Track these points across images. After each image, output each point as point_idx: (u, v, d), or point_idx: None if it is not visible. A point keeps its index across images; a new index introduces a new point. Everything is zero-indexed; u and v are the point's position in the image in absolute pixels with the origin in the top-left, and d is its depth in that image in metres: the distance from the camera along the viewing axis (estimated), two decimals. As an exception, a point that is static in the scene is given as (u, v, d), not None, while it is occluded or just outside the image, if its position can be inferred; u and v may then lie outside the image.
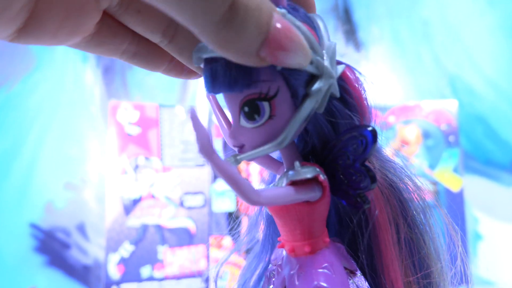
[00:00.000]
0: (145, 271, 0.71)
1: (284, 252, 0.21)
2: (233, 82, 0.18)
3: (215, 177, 0.76)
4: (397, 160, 0.23)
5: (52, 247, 0.82)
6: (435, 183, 0.73)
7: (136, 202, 0.73)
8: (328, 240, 0.21)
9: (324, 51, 0.19)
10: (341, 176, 0.20)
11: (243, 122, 0.19)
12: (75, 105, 0.86)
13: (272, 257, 0.23)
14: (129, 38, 0.21)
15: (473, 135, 0.83)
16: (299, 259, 0.21)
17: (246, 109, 0.19)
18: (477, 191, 0.81)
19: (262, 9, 0.15)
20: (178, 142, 0.76)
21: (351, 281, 0.21)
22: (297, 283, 0.20)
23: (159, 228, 0.73)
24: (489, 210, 0.81)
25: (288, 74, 0.18)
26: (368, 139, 0.19)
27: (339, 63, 0.20)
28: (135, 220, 0.72)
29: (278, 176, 0.21)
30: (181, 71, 0.23)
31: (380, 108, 0.76)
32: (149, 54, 0.22)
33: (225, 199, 0.75)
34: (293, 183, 0.20)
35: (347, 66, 0.20)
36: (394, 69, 0.86)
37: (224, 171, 0.16)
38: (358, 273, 0.21)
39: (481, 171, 0.82)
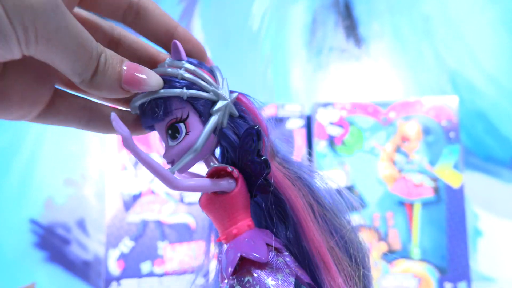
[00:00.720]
0: (145, 266, 0.71)
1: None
2: (156, 115, 0.25)
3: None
4: (303, 161, 0.30)
5: (52, 243, 0.82)
6: (435, 179, 0.73)
7: (136, 198, 0.73)
8: (251, 223, 0.26)
9: (219, 86, 0.26)
10: (248, 171, 0.26)
11: (170, 142, 0.26)
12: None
13: None
14: (82, 106, 0.27)
15: (474, 132, 0.83)
16: (230, 243, 0.26)
17: (170, 131, 0.26)
18: (477, 187, 0.81)
19: (114, 60, 0.23)
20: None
21: (280, 258, 0.25)
22: (225, 259, 0.25)
23: (159, 224, 0.73)
24: (489, 207, 0.81)
25: (193, 101, 0.25)
26: (255, 135, 0.25)
27: (233, 92, 0.27)
28: (135, 216, 0.72)
29: None
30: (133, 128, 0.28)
31: (380, 104, 0.76)
32: (104, 118, 0.28)
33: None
34: (210, 176, 0.26)
35: (240, 93, 0.27)
36: (394, 65, 0.86)
37: (145, 160, 0.23)
38: (285, 251, 0.26)
39: (482, 168, 0.82)
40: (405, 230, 0.72)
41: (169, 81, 0.25)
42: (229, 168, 0.26)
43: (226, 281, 0.25)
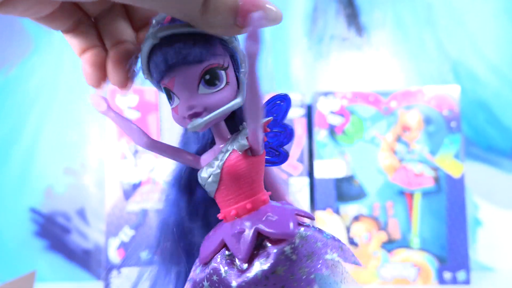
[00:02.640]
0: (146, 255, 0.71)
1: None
2: (199, 55, 0.22)
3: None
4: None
5: (53, 232, 0.83)
6: (436, 169, 0.73)
7: (135, 187, 0.73)
8: (266, 198, 0.24)
9: None
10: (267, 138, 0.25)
11: (203, 89, 0.23)
12: (74, 90, 0.85)
13: (196, 269, 0.24)
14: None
15: (475, 121, 0.82)
16: (242, 219, 0.23)
17: (207, 77, 0.23)
18: (477, 177, 0.81)
19: None
20: (177, 127, 0.75)
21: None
22: (242, 236, 0.22)
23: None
24: (489, 197, 0.81)
25: (234, 52, 0.24)
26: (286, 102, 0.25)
27: None
28: (135, 205, 0.72)
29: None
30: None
31: (382, 93, 0.75)
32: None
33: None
34: None
35: None
36: (396, 54, 0.85)
37: (117, 120, 0.24)
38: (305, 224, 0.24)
39: (482, 157, 0.82)
40: (405, 220, 0.72)
41: None
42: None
43: (274, 250, 0.22)
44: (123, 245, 0.71)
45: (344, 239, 0.73)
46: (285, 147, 0.26)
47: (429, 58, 0.84)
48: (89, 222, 0.83)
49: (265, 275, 0.21)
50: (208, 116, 0.23)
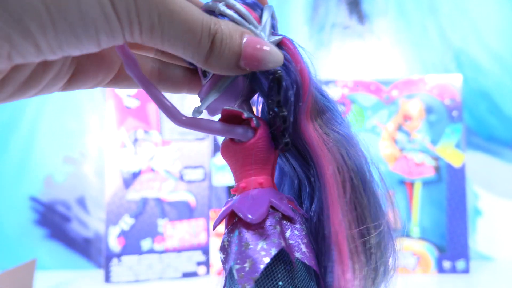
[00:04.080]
0: (146, 244, 0.72)
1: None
2: None
3: (215, 151, 0.75)
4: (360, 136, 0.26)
5: (53, 220, 0.83)
6: (436, 158, 0.73)
7: (135, 175, 0.73)
8: (265, 182, 0.24)
9: (260, 26, 0.24)
10: (270, 122, 0.24)
11: (203, 80, 0.25)
12: (73, 78, 0.84)
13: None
14: (150, 68, 0.27)
15: (477, 111, 0.82)
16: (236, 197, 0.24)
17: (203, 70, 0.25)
18: (478, 167, 0.81)
19: (233, 37, 0.22)
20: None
21: (278, 227, 0.23)
22: (283, 199, 0.24)
23: (159, 201, 0.73)
24: (489, 186, 0.81)
25: None
26: (273, 81, 0.23)
27: (276, 35, 0.24)
28: (135, 194, 0.72)
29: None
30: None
31: (383, 82, 0.75)
32: (171, 79, 0.28)
33: (225, 173, 0.74)
34: (224, 120, 0.24)
35: (284, 37, 0.24)
36: (398, 42, 0.84)
37: (151, 91, 0.22)
38: (298, 224, 0.24)
39: (484, 147, 0.81)
40: (405, 209, 0.72)
41: (208, 13, 0.23)
42: (245, 115, 0.24)
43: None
44: (123, 234, 0.71)
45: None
46: None
47: (432, 47, 0.83)
48: (89, 211, 0.83)
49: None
50: (200, 105, 0.25)
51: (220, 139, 0.26)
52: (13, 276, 0.59)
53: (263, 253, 0.22)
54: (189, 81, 0.28)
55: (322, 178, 0.24)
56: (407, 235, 0.72)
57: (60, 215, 0.83)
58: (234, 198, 0.25)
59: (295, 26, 0.85)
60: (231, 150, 0.25)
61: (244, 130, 0.24)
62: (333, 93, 0.75)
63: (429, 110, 0.73)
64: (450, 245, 0.71)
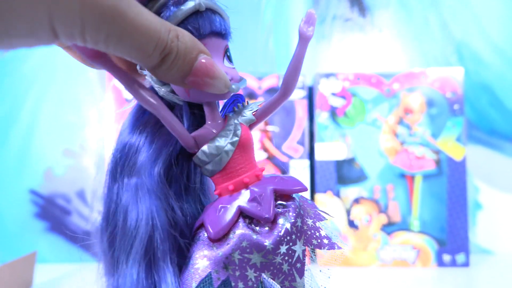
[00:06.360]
0: (146, 237, 0.72)
1: (242, 228, 0.24)
2: (226, 32, 0.25)
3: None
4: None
5: (53, 213, 0.83)
6: (437, 151, 0.72)
7: (135, 168, 0.72)
8: (263, 169, 0.27)
9: None
10: None
11: (227, 63, 0.26)
12: (72, 71, 0.84)
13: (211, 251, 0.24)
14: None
15: (478, 104, 0.81)
16: (249, 187, 0.25)
17: (228, 53, 0.26)
18: (479, 160, 0.81)
19: (187, 57, 0.22)
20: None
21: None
22: (262, 197, 0.24)
23: (159, 194, 0.73)
24: (490, 180, 0.81)
25: (228, 43, 0.26)
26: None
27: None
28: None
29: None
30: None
31: (384, 75, 0.74)
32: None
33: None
34: None
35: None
36: (399, 35, 0.83)
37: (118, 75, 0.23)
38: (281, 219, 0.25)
39: (484, 141, 0.81)
40: (406, 203, 0.72)
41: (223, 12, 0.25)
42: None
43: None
44: (123, 227, 0.71)
45: (344, 222, 0.73)
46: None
47: (433, 40, 0.83)
48: (89, 204, 0.83)
49: (292, 227, 0.24)
50: (240, 83, 0.25)
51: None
52: (14, 268, 0.59)
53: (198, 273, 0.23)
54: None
55: None
56: (407, 228, 0.72)
57: (60, 208, 0.83)
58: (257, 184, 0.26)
59: (295, 18, 0.85)
60: (252, 139, 0.26)
61: (187, 134, 0.25)
62: (334, 85, 0.75)
63: (430, 103, 0.73)
64: (450, 238, 0.71)
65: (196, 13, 0.24)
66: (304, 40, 0.24)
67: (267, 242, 0.23)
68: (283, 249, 0.23)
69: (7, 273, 0.57)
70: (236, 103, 0.27)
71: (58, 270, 0.75)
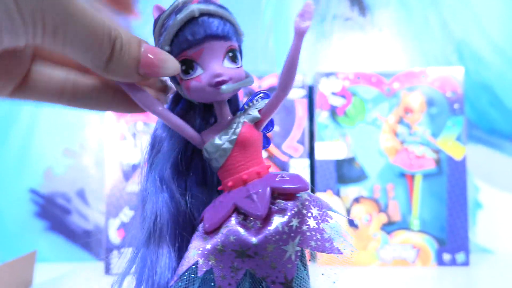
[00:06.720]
0: (146, 236, 0.72)
1: (234, 222, 0.25)
2: (229, 33, 0.26)
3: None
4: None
5: (53, 213, 0.83)
6: (437, 151, 0.72)
7: (135, 167, 0.72)
8: (269, 167, 0.27)
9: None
10: None
11: (227, 63, 0.26)
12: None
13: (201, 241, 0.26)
14: (63, 80, 0.25)
15: (478, 104, 0.81)
16: (248, 185, 0.26)
17: (230, 54, 0.26)
18: (479, 160, 0.81)
19: (131, 44, 0.23)
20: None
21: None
22: (258, 195, 0.25)
23: (159, 194, 0.73)
24: (490, 179, 0.81)
25: (240, 43, 0.27)
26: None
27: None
28: (134, 186, 0.72)
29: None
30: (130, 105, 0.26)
31: (384, 74, 0.74)
32: (91, 94, 0.26)
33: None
34: None
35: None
36: (399, 34, 0.83)
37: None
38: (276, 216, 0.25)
39: (485, 140, 0.81)
40: (405, 202, 0.72)
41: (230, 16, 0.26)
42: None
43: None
44: (123, 226, 0.71)
45: (344, 221, 0.73)
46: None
47: (433, 39, 0.83)
48: (89, 203, 0.83)
49: (284, 226, 0.24)
50: (237, 83, 0.26)
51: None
52: (13, 268, 0.59)
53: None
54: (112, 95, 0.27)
55: None
56: (407, 228, 0.72)
57: (60, 207, 0.83)
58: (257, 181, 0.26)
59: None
60: (257, 136, 0.27)
61: (195, 134, 0.27)
62: (334, 85, 0.75)
63: (430, 102, 0.73)
64: (450, 237, 0.71)
65: (191, 20, 0.25)
66: (299, 34, 0.24)
67: (254, 240, 0.24)
68: (270, 247, 0.24)
69: (7, 272, 0.57)
70: (250, 100, 0.28)
71: (58, 269, 0.75)
